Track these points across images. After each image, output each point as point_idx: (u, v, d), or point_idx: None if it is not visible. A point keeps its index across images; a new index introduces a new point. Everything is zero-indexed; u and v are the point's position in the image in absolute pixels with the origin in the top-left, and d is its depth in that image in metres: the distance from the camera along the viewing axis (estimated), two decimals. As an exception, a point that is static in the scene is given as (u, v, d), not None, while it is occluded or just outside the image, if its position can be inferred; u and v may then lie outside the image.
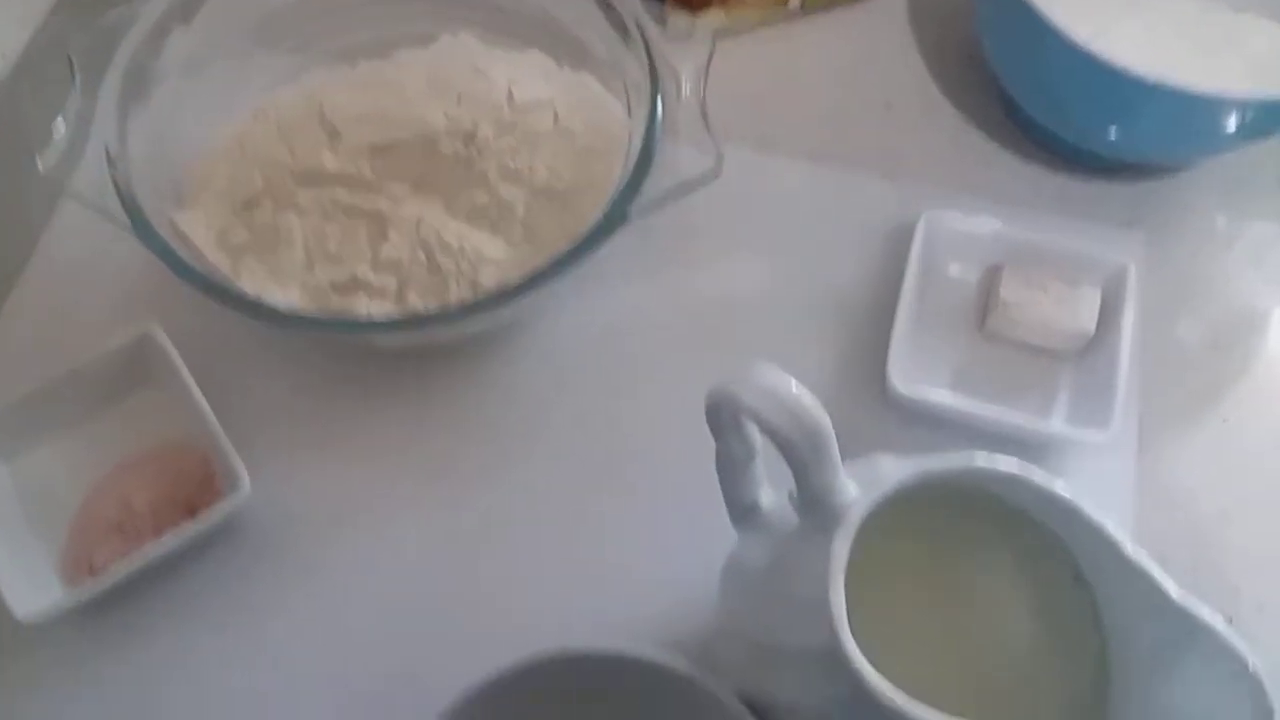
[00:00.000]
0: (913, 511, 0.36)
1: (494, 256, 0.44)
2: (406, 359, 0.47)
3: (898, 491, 0.32)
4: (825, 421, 0.32)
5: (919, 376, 0.45)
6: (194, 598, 0.43)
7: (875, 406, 0.45)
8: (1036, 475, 0.32)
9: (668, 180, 0.42)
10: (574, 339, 0.48)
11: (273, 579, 0.43)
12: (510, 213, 0.45)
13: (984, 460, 0.32)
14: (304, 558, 0.43)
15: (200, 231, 0.45)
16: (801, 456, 0.32)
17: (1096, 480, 0.45)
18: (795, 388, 0.32)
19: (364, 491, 0.45)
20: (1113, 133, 0.47)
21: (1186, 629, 0.29)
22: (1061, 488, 0.31)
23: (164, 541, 0.41)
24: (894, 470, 0.33)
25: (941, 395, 0.43)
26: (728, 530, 0.38)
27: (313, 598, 0.43)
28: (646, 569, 0.42)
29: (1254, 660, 0.28)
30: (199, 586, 0.43)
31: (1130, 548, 0.30)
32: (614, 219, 0.41)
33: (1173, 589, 0.29)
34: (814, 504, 0.33)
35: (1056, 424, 0.43)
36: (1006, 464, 0.32)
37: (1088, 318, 0.44)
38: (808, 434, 0.31)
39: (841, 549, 0.31)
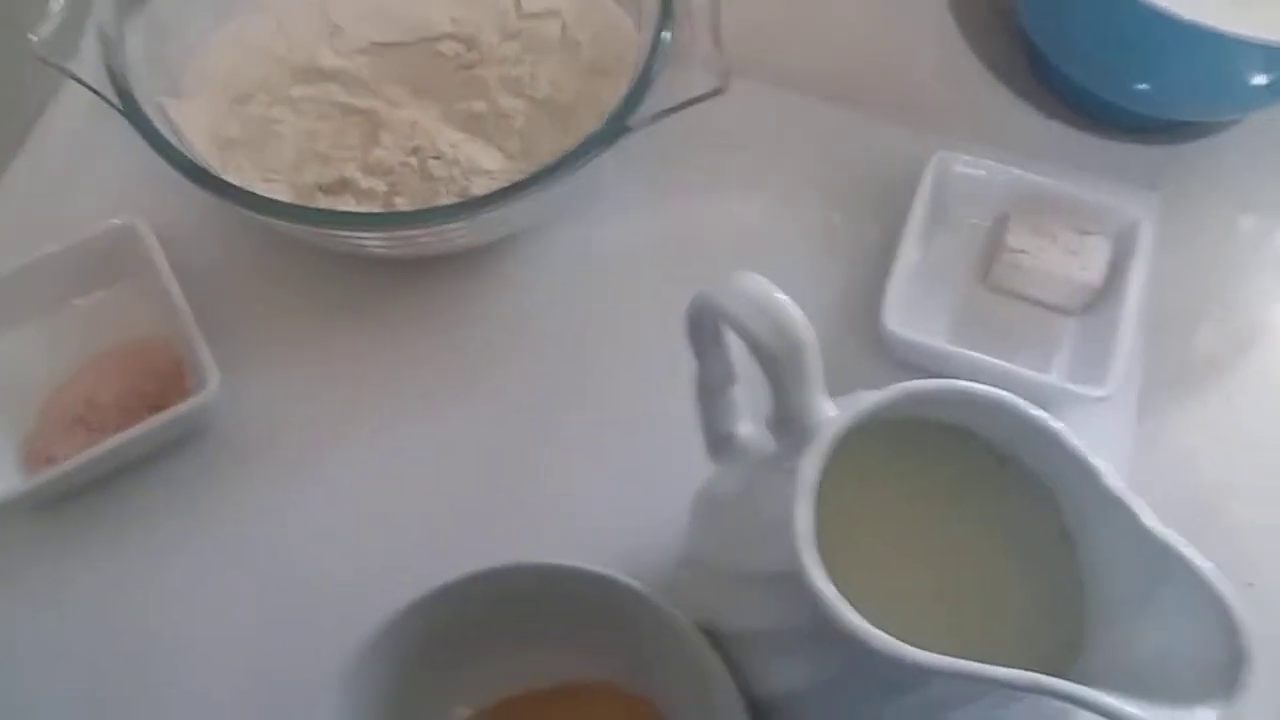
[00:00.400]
0: (896, 454, 0.35)
1: (488, 167, 0.43)
2: (394, 269, 0.46)
3: (876, 410, 0.31)
4: (808, 335, 0.31)
5: (916, 322, 0.44)
6: (162, 499, 0.42)
7: (869, 350, 0.44)
8: (1020, 402, 0.31)
9: (673, 99, 0.41)
10: (566, 262, 0.47)
11: (243, 483, 0.42)
12: (508, 124, 0.44)
13: (967, 383, 0.31)
14: (277, 463, 0.43)
15: (192, 123, 0.44)
16: (781, 371, 0.31)
17: (1092, 440, 0.44)
18: (779, 297, 0.31)
19: (341, 400, 0.44)
20: (1142, 82, 0.46)
21: (1162, 562, 0.28)
22: (1044, 415, 0.30)
23: (125, 436, 0.40)
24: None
25: (936, 341, 0.42)
26: (704, 464, 0.37)
27: (282, 503, 0.42)
28: (618, 496, 0.42)
29: (1228, 591, 0.27)
30: (168, 488, 0.42)
31: (1110, 477, 0.29)
32: (612, 130, 0.40)
33: (1148, 517, 0.28)
34: (790, 424, 0.32)
35: (1052, 376, 0.42)
36: (990, 391, 0.31)
37: (1095, 270, 0.43)
38: (789, 346, 0.30)
39: (811, 466, 0.30)
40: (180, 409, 0.41)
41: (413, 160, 0.43)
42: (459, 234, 0.42)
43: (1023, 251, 0.43)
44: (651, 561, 0.39)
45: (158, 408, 0.42)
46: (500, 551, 0.37)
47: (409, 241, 0.42)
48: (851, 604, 0.29)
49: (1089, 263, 0.43)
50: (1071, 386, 0.41)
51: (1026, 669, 0.30)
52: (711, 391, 0.36)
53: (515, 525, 0.41)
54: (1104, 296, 0.44)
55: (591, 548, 0.39)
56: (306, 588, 0.40)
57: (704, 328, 0.33)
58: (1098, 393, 0.40)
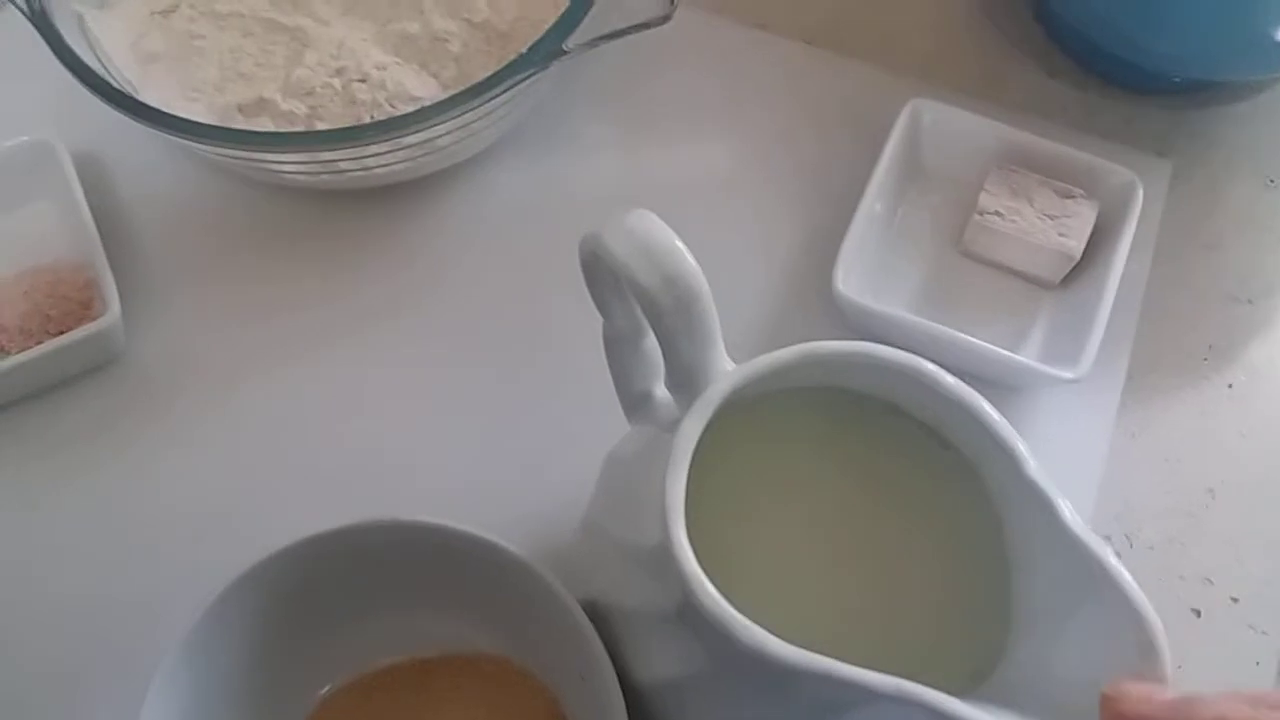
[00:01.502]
0: (815, 429, 0.32)
1: (418, 93, 0.40)
2: (320, 202, 0.44)
3: (773, 372, 0.28)
4: (699, 283, 0.28)
5: (877, 286, 0.41)
6: (67, 429, 0.40)
7: (820, 315, 0.41)
8: (937, 371, 0.27)
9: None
10: (505, 202, 0.44)
11: (149, 415, 0.41)
12: (443, 49, 0.41)
13: (875, 348, 0.28)
14: (182, 396, 0.41)
15: (113, 34, 0.42)
16: (669, 325, 0.28)
17: (1065, 432, 0.40)
18: (670, 241, 0.28)
19: (252, 336, 0.42)
20: (1158, 35, 0.41)
21: (1083, 571, 0.25)
22: (962, 387, 0.27)
23: (19, 359, 0.38)
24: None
25: (893, 309, 0.38)
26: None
27: (185, 437, 0.40)
28: (534, 456, 0.39)
29: (1150, 611, 0.24)
30: (74, 417, 0.40)
31: (1031, 465, 0.26)
32: (545, 51, 0.37)
33: (1069, 515, 0.25)
34: (685, 383, 0.29)
35: (1022, 356, 0.38)
36: (901, 355, 0.27)
37: (1076, 237, 0.39)
38: (678, 297, 0.28)
39: (690, 430, 0.27)
40: (76, 335, 0.39)
41: (336, 82, 0.40)
42: (382, 162, 0.40)
43: (995, 214, 0.39)
44: (559, 528, 0.36)
45: (62, 333, 0.40)
46: (398, 504, 0.34)
47: (330, 169, 0.40)
48: (736, 590, 0.26)
49: (1069, 229, 0.39)
50: (1040, 366, 0.37)
51: (933, 680, 0.27)
52: (620, 346, 0.33)
53: (417, 478, 0.39)
54: (1088, 268, 0.40)
55: (496, 508, 0.37)
56: (198, 522, 0.38)
57: (600, 274, 0.30)
58: (1068, 374, 0.37)
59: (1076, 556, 0.25)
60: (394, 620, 0.34)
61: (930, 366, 0.27)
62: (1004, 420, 0.27)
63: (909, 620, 0.31)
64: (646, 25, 0.37)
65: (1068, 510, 0.25)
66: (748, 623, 0.24)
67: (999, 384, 0.40)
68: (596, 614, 0.31)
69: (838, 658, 0.24)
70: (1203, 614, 0.39)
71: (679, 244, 0.28)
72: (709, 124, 0.46)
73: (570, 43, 0.37)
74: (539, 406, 0.40)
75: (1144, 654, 0.23)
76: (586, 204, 0.44)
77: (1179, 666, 0.38)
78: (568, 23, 0.37)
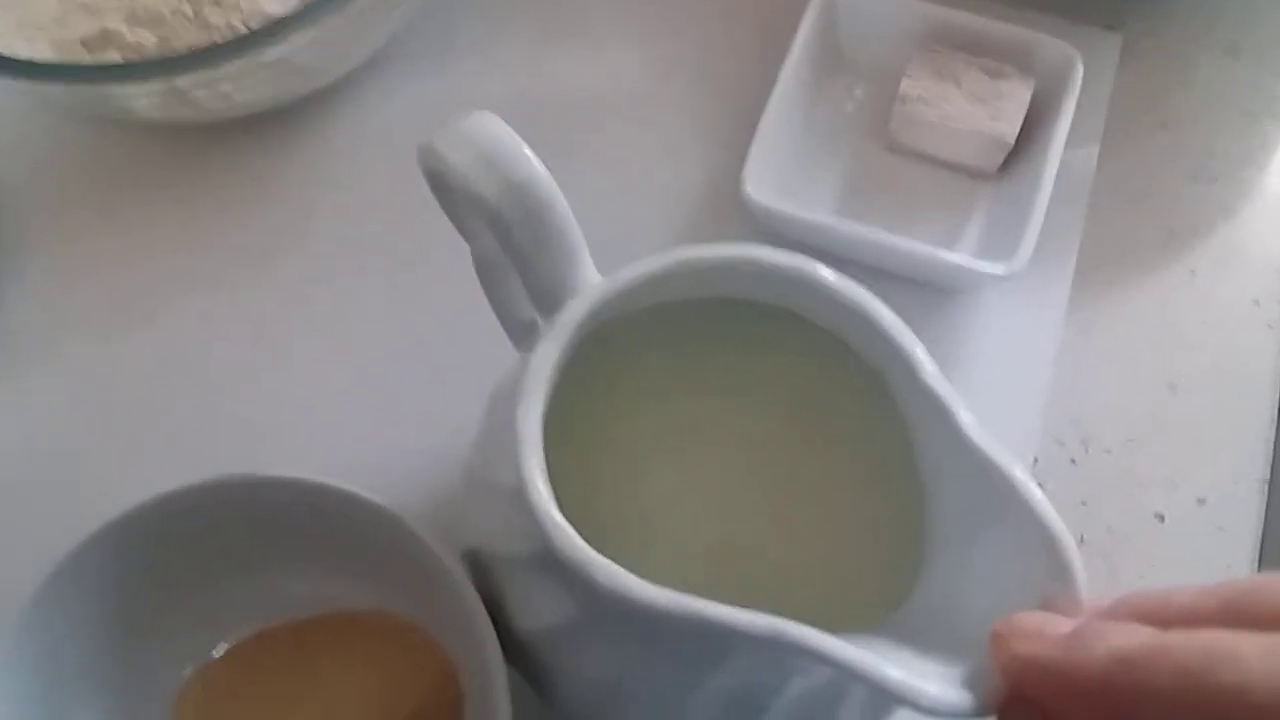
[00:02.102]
0: (708, 350, 0.29)
1: (276, 11, 0.37)
2: (181, 141, 0.41)
3: (645, 284, 0.25)
4: (549, 190, 0.25)
5: (797, 189, 0.37)
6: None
7: (737, 226, 0.38)
8: (819, 270, 0.24)
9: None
10: (384, 128, 0.41)
11: (7, 375, 0.38)
12: (302, -39, 0.38)
13: (751, 251, 0.25)
14: (47, 355, 0.38)
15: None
16: (520, 237, 0.25)
17: (1011, 335, 0.37)
18: (511, 142, 0.25)
19: (114, 288, 0.39)
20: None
21: (986, 486, 0.22)
22: (853, 290, 0.24)
23: None
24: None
25: (810, 213, 0.35)
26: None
27: (44, 399, 0.37)
28: (425, 399, 0.36)
29: (1060, 527, 0.21)
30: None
31: (929, 369, 0.23)
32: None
33: (967, 423, 0.22)
34: (548, 305, 0.26)
35: (956, 254, 0.35)
36: (782, 258, 0.24)
37: (1008, 120, 0.36)
38: (526, 205, 0.25)
39: (548, 351, 0.24)
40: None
41: (186, 7, 0.37)
42: (241, 88, 0.37)
43: (920, 100, 0.36)
44: (450, 474, 0.34)
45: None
46: (273, 457, 0.33)
47: (185, 100, 0.37)
48: (624, 531, 0.24)
49: (1001, 112, 0.36)
50: (970, 263, 0.34)
51: (849, 617, 0.24)
52: (493, 270, 0.30)
53: (295, 428, 0.36)
54: (1027, 154, 0.37)
55: (383, 455, 0.35)
56: (46, 487, 0.36)
57: (448, 191, 0.27)
58: (1000, 270, 0.34)
59: (980, 471, 0.22)
60: (266, 583, 0.32)
61: (816, 268, 0.24)
62: (899, 322, 0.24)
63: (821, 551, 0.29)
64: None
65: (967, 418, 0.22)
66: (606, 563, 0.22)
67: (933, 286, 0.37)
68: (479, 564, 0.28)
69: (739, 601, 0.22)
70: (1167, 519, 0.36)
71: (525, 149, 0.25)
72: (611, 25, 0.43)
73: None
74: (431, 344, 0.37)
75: (1055, 576, 0.20)
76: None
77: (1141, 576, 0.35)
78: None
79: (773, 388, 0.29)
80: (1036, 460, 0.36)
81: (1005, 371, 0.37)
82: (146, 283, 0.39)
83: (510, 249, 0.25)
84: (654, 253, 0.37)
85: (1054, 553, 0.20)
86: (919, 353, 0.23)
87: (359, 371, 0.37)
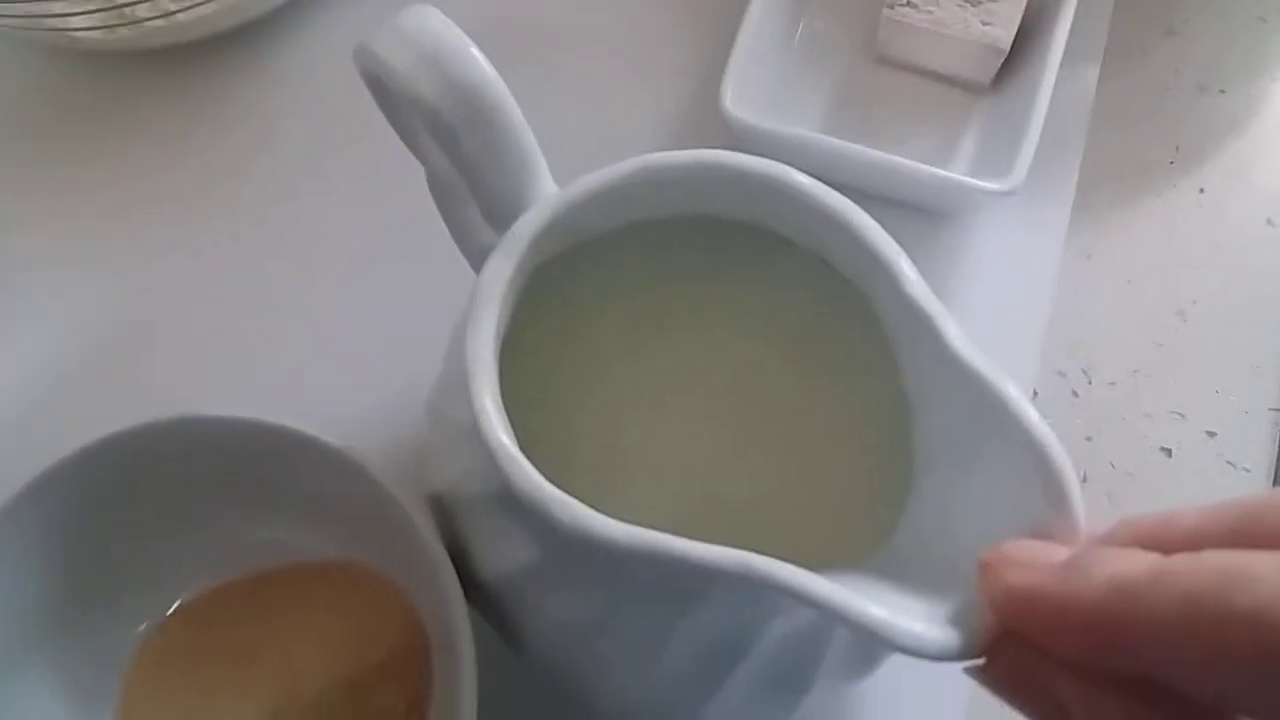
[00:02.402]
0: (678, 268, 0.27)
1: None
2: (130, 67, 0.38)
3: (601, 193, 0.23)
4: (497, 91, 0.22)
5: (781, 104, 0.35)
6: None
7: (720, 143, 0.36)
8: (791, 175, 0.22)
9: None
10: (341, 48, 0.38)
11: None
12: None
13: (717, 156, 0.22)
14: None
15: None
16: (467, 145, 0.23)
17: (1008, 258, 0.35)
18: (454, 39, 0.22)
19: (64, 224, 0.37)
20: None
21: (979, 403, 0.20)
22: (832, 197, 0.22)
23: None
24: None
25: (792, 127, 0.33)
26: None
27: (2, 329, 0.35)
28: (386, 337, 0.34)
29: (1057, 449, 0.19)
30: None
31: (912, 281, 0.21)
32: None
33: (954, 338, 0.20)
34: (500, 219, 0.24)
35: (949, 171, 0.33)
36: (752, 162, 0.22)
37: (1003, 25, 0.33)
38: (472, 108, 0.22)
39: (499, 268, 0.22)
40: None
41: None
42: (183, 4, 0.34)
43: (908, 4, 0.33)
44: (414, 413, 0.32)
45: None
46: (222, 395, 0.32)
47: (126, 19, 0.35)
48: (595, 465, 0.22)
49: (995, 16, 0.33)
50: (965, 180, 0.32)
51: (834, 548, 0.23)
52: (447, 191, 0.28)
53: (245, 365, 0.34)
54: (1023, 64, 0.35)
55: (345, 394, 0.33)
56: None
57: (391, 100, 0.25)
58: (996, 186, 0.32)
59: (969, 388, 0.20)
60: (223, 534, 0.30)
61: (790, 173, 0.22)
62: (881, 231, 0.22)
63: (807, 486, 0.27)
64: None
65: (954, 332, 0.20)
66: (564, 498, 0.20)
67: (925, 208, 0.34)
68: (443, 509, 0.27)
69: (714, 537, 0.20)
70: (1174, 453, 0.34)
71: (471, 47, 0.22)
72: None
73: None
74: (394, 275, 0.35)
75: (1051, 502, 0.18)
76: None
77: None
78: None
79: (753, 316, 0.27)
80: (1036, 393, 0.34)
81: (1002, 298, 0.35)
82: (100, 213, 0.37)
83: (458, 159, 0.23)
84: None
85: (1048, 476, 0.19)
86: (902, 264, 0.21)
87: (318, 306, 0.35)
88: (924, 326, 0.21)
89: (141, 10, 0.34)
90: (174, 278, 0.36)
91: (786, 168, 0.22)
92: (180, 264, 0.36)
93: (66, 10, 0.34)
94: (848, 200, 0.22)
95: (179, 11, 0.34)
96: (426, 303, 0.32)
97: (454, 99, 0.22)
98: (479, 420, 0.21)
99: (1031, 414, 0.19)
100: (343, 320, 0.35)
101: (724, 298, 0.28)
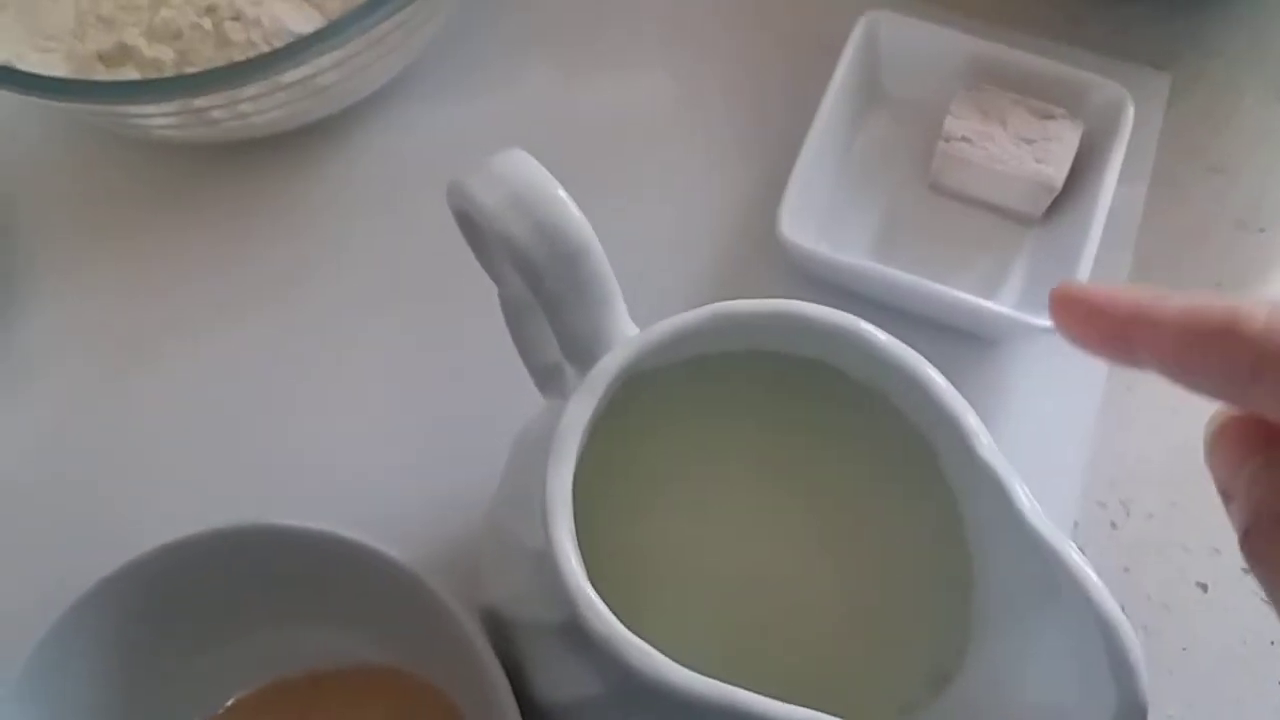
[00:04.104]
0: (744, 405, 0.28)
1: (299, 29, 0.36)
2: (203, 159, 0.40)
3: (676, 339, 0.24)
4: (584, 235, 0.24)
5: (834, 229, 0.36)
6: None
7: (772, 264, 0.37)
8: (865, 328, 0.23)
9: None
10: (415, 148, 0.40)
11: (30, 398, 0.37)
12: (327, -25, 0.37)
13: (793, 306, 0.23)
14: (55, 387, 0.37)
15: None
16: (552, 285, 0.24)
17: (1051, 387, 0.36)
18: (545, 183, 0.23)
19: (129, 316, 0.38)
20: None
21: (1042, 568, 0.21)
22: (902, 351, 0.23)
23: None
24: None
25: (845, 254, 0.34)
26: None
27: (61, 426, 0.36)
28: (447, 443, 0.35)
29: (1122, 621, 0.20)
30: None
31: (984, 442, 0.22)
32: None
33: (1025, 503, 0.21)
34: (578, 355, 0.25)
35: (997, 303, 0.34)
36: (825, 313, 0.23)
37: (1056, 163, 0.34)
38: (558, 250, 0.24)
39: (579, 410, 0.23)
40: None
41: (206, 22, 0.36)
42: (260, 108, 0.36)
43: (964, 140, 0.35)
44: (470, 523, 0.32)
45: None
46: (289, 500, 0.32)
47: (203, 119, 0.36)
48: (651, 594, 0.23)
49: (1048, 154, 0.35)
50: (1014, 314, 0.33)
51: (887, 688, 0.23)
52: (520, 312, 0.29)
53: (303, 469, 0.35)
54: (1074, 199, 0.36)
55: (401, 501, 0.34)
56: (59, 529, 0.34)
57: (480, 231, 0.26)
58: (1046, 323, 0.32)
59: (1036, 554, 0.21)
60: (277, 636, 0.31)
61: (861, 325, 0.23)
62: (950, 387, 0.23)
63: (860, 618, 0.27)
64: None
65: (1025, 497, 0.21)
66: (642, 646, 0.21)
67: (974, 335, 0.35)
68: (497, 622, 0.27)
69: (770, 674, 0.21)
70: (1210, 588, 0.35)
71: (559, 190, 0.24)
72: (644, 48, 0.42)
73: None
74: (454, 385, 0.36)
75: (1119, 679, 0.19)
76: (514, 139, 0.39)
77: (1184, 649, 0.34)
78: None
79: (814, 454, 0.28)
80: (1076, 524, 0.35)
81: (1045, 427, 0.36)
82: (159, 310, 0.38)
83: (541, 295, 0.24)
84: (687, 291, 0.37)
85: (1116, 653, 0.19)
86: (972, 421, 0.22)
87: (376, 412, 0.36)
88: (993, 486, 0.21)
89: (218, 113, 0.35)
90: (235, 377, 0.37)
91: (855, 320, 0.23)
92: (242, 362, 0.37)
93: (149, 111, 0.35)
94: (917, 355, 0.23)
95: (255, 115, 0.36)
96: (484, 412, 0.33)
97: (543, 241, 0.23)
98: (557, 560, 0.22)
99: (1102, 590, 0.20)
100: (400, 425, 0.36)
101: (785, 432, 0.28)
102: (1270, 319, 0.19)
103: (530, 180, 0.23)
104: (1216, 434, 0.23)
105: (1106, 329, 0.23)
